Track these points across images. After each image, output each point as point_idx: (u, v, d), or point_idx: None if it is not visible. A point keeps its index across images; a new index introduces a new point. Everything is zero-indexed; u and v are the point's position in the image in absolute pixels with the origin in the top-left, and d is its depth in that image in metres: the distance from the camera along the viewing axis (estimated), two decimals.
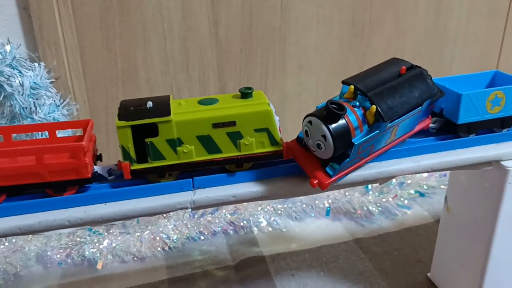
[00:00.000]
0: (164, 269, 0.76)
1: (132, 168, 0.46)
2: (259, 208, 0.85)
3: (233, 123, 0.47)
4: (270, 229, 0.83)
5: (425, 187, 0.89)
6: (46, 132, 0.50)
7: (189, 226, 0.81)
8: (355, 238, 0.81)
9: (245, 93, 0.49)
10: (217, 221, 0.83)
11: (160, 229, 0.80)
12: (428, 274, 0.72)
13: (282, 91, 0.97)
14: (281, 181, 0.50)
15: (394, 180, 0.87)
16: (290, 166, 0.51)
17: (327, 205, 0.86)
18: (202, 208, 0.50)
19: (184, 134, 0.47)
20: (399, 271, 0.73)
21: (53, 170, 0.44)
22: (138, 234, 0.79)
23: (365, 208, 0.85)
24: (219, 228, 0.82)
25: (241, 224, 0.83)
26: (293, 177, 0.51)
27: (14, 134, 0.49)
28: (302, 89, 0.98)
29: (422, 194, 0.88)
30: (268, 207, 0.85)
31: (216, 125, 0.47)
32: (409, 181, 0.88)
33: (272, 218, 0.85)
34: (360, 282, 0.71)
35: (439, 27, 1.01)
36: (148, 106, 0.47)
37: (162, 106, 0.47)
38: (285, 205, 0.86)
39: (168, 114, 0.46)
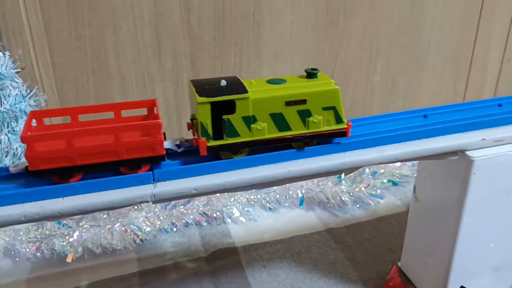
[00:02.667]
0: (135, 261, 0.75)
1: (208, 144, 0.48)
2: (232, 199, 0.84)
3: (304, 101, 0.49)
4: (243, 220, 0.83)
5: (398, 176, 0.89)
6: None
7: (161, 217, 0.80)
8: (328, 228, 0.81)
9: (311, 73, 0.51)
10: (189, 212, 0.82)
11: (132, 221, 0.79)
12: (399, 263, 0.72)
13: None
14: (244, 173, 0.50)
15: (367, 169, 0.87)
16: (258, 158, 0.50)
17: (300, 195, 0.86)
18: (163, 202, 0.49)
19: (259, 112, 0.48)
20: (370, 261, 0.73)
21: (130, 147, 0.45)
22: (109, 226, 0.78)
23: (338, 197, 0.84)
24: (192, 220, 0.81)
25: (214, 215, 0.82)
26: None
27: (81, 115, 0.49)
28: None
29: (395, 183, 0.88)
30: (241, 198, 0.85)
31: (288, 103, 0.48)
32: (382, 171, 0.88)
33: (246, 209, 0.84)
34: (331, 273, 0.71)
35: (415, 14, 1.01)
36: (222, 84, 0.48)
37: (236, 85, 0.48)
38: (259, 196, 0.85)
39: (246, 91, 0.47)
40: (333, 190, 0.85)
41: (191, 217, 0.81)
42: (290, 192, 0.86)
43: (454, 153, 0.55)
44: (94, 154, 0.45)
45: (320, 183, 0.86)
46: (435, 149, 0.54)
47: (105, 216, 0.78)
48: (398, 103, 1.09)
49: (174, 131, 0.95)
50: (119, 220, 0.78)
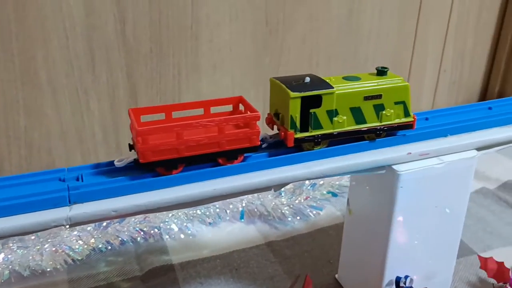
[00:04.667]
0: (66, 283, 0.72)
1: (295, 136, 0.51)
2: (171, 214, 0.82)
3: (379, 96, 0.54)
4: (181, 236, 0.81)
5: (338, 187, 0.89)
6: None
7: (95, 236, 0.78)
8: (267, 241, 0.80)
9: (382, 71, 0.56)
10: (125, 229, 0.79)
11: (63, 240, 0.75)
12: (336, 276, 0.72)
13: (197, 92, 0.95)
14: (161, 193, 0.48)
15: (306, 181, 0.87)
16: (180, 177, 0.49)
17: (241, 208, 0.85)
18: (81, 225, 0.47)
19: (341, 105, 0.52)
20: (308, 274, 0.73)
21: (231, 139, 0.49)
22: (38, 247, 0.74)
23: (278, 210, 0.84)
24: (128, 237, 0.79)
25: (152, 231, 0.80)
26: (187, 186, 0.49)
27: (174, 112, 0.53)
28: (218, 89, 0.96)
29: (334, 194, 0.89)
30: (179, 213, 0.83)
31: (366, 98, 0.53)
32: (321, 182, 0.88)
33: (184, 224, 0.82)
34: (269, 287, 0.70)
35: (352, 26, 1.02)
36: (306, 81, 0.52)
37: (320, 81, 0.53)
38: (198, 211, 0.84)
39: (332, 87, 0.51)
40: (273, 203, 0.84)
41: (127, 234, 0.79)
42: (231, 206, 0.85)
43: (381, 167, 0.56)
44: (199, 146, 0.48)
45: (260, 196, 0.85)
46: (362, 164, 0.54)
47: (33, 237, 0.74)
48: None
49: (111, 145, 0.92)
50: (49, 240, 0.75)
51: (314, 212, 0.85)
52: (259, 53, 0.96)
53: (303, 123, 0.51)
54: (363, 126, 0.54)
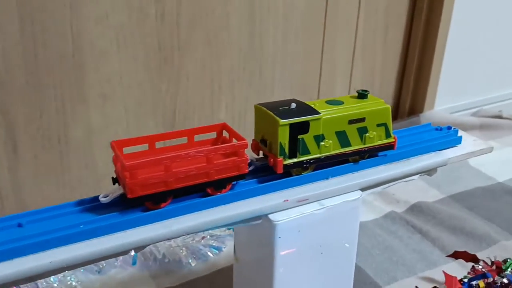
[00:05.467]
0: None
1: (284, 163, 0.52)
2: None
3: (363, 119, 0.55)
4: None
5: None
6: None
7: None
8: None
9: (363, 95, 0.57)
10: None
11: None
12: None
13: (86, 124, 0.87)
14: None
15: None
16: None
17: (133, 252, 0.77)
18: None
19: (327, 130, 0.53)
20: None
21: (219, 168, 0.49)
22: None
23: (174, 252, 0.77)
24: None
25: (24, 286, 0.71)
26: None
27: (157, 142, 0.52)
28: (110, 121, 0.89)
29: None
30: None
31: (351, 121, 0.54)
32: None
33: (68, 275, 0.74)
34: None
35: (255, 48, 0.98)
36: (292, 107, 0.52)
37: (305, 107, 0.53)
38: None
39: (318, 113, 0.52)
40: (167, 245, 0.78)
41: None
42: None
43: (257, 217, 0.51)
44: (187, 177, 0.48)
45: None
46: (232, 216, 0.49)
47: None
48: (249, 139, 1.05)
49: None
50: None
51: (213, 251, 0.79)
52: (154, 81, 0.90)
53: (291, 149, 0.52)
54: (348, 149, 0.56)
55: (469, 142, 0.64)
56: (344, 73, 1.12)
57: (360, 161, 0.57)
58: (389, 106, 0.57)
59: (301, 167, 0.53)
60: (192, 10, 0.89)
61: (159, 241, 0.47)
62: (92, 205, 0.49)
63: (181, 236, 0.48)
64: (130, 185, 0.45)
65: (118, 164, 0.48)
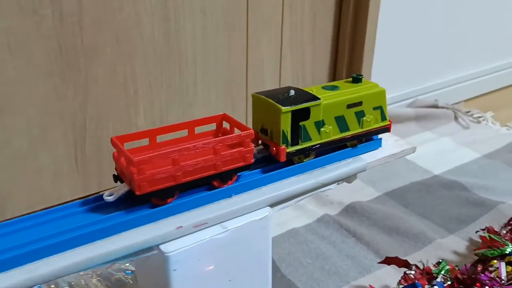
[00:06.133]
0: None
1: (287, 150, 0.51)
2: None
3: (360, 103, 0.55)
4: None
5: None
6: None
7: None
8: None
9: (358, 79, 0.57)
10: None
11: None
12: None
13: None
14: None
15: None
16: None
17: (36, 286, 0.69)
18: None
19: (327, 116, 0.53)
20: None
21: (226, 160, 0.47)
22: None
23: (83, 282, 0.70)
24: None
25: None
26: None
27: (158, 136, 0.51)
28: (11, 134, 0.79)
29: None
30: None
31: (349, 106, 0.54)
32: None
33: None
34: None
35: (172, 48, 0.90)
36: (291, 94, 0.52)
37: (303, 93, 0.53)
38: None
39: (318, 98, 0.52)
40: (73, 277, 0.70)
41: None
42: None
43: (149, 248, 0.44)
44: (195, 170, 0.46)
45: None
46: (126, 248, 0.42)
47: None
48: None
49: None
50: None
51: (128, 276, 0.72)
52: (58, 88, 0.81)
53: (293, 136, 0.51)
54: (347, 134, 0.56)
55: (390, 143, 0.59)
56: (272, 67, 1.06)
57: (269, 173, 0.52)
58: (384, 89, 0.57)
59: (303, 154, 0.53)
60: (96, 9, 0.80)
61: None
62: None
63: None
64: (138, 181, 0.43)
65: (121, 160, 0.46)
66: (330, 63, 1.17)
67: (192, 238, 0.45)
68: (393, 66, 1.24)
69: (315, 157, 0.55)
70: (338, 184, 0.55)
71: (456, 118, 1.29)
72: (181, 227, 0.45)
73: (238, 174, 0.50)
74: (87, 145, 0.87)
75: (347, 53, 1.14)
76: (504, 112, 1.39)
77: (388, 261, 0.70)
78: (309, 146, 0.53)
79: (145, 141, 0.51)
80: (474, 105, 1.42)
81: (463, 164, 1.09)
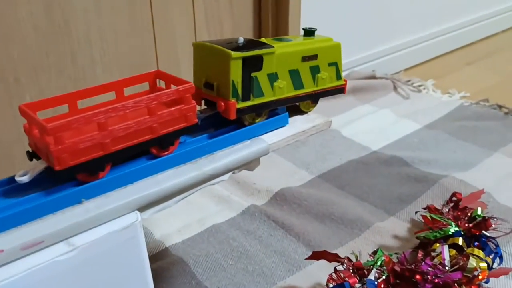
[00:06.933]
0: None
1: (238, 106, 0.45)
2: None
3: (315, 57, 0.51)
4: None
5: None
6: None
7: None
8: None
9: (310, 31, 0.53)
10: None
11: None
12: None
13: None
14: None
15: None
16: None
17: None
18: None
19: (280, 68, 0.48)
20: None
21: (164, 121, 0.40)
22: None
23: None
24: None
25: None
26: None
27: (79, 101, 0.42)
28: None
29: None
30: None
31: (304, 59, 0.50)
32: None
33: None
34: None
35: (58, 24, 0.77)
36: (239, 41, 0.46)
37: (255, 41, 0.47)
38: None
39: (272, 46, 0.47)
40: None
41: None
42: None
43: None
44: (127, 136, 0.39)
45: None
46: None
47: None
48: None
49: None
50: None
51: None
52: None
53: (245, 90, 0.45)
54: (301, 92, 0.51)
55: (299, 118, 0.49)
56: (187, 44, 0.94)
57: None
58: (339, 43, 0.53)
59: (255, 112, 0.47)
60: None
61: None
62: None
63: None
64: (56, 153, 0.35)
65: (34, 130, 0.38)
66: (253, 36, 1.05)
67: (22, 265, 0.33)
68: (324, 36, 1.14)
69: (267, 118, 0.48)
70: (234, 173, 0.44)
71: (395, 88, 1.21)
72: (2, 251, 0.32)
73: (181, 139, 0.43)
74: None
75: (271, 24, 1.03)
76: (445, 79, 1.32)
77: (315, 256, 0.60)
78: (262, 103, 0.47)
79: (63, 109, 0.42)
80: (414, 74, 1.34)
81: (404, 137, 1.00)
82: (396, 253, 0.64)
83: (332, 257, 0.59)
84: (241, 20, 1.01)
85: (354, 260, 0.59)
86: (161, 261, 0.67)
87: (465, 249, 0.63)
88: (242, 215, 0.77)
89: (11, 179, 0.38)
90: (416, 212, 0.74)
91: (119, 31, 0.84)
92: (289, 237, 0.72)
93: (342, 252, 0.66)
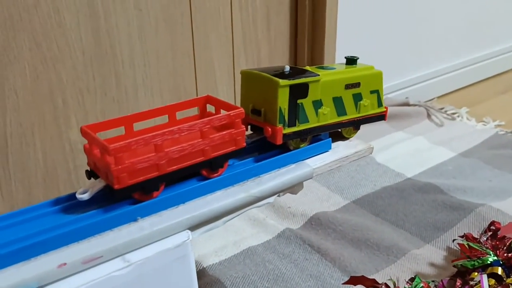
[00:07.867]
0: None
1: (284, 132, 0.46)
2: None
3: (358, 85, 0.52)
4: None
5: None
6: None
7: None
8: None
9: (353, 60, 0.54)
10: None
11: None
12: None
13: None
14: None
15: None
16: None
17: None
18: None
19: (325, 95, 0.49)
20: None
21: (215, 144, 0.42)
22: None
23: None
24: None
25: None
26: None
27: (135, 123, 0.45)
28: None
29: None
30: None
31: (347, 86, 0.51)
32: None
33: None
34: None
35: (104, 48, 0.80)
36: (286, 70, 0.47)
37: (299, 70, 0.49)
38: None
39: (317, 74, 0.48)
40: None
41: None
42: None
43: None
44: (181, 157, 0.40)
45: None
46: None
47: None
48: None
49: None
50: None
51: None
52: None
53: (291, 116, 0.47)
54: (344, 118, 0.52)
55: (341, 144, 0.50)
56: (225, 68, 0.97)
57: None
58: (381, 71, 0.54)
59: (300, 137, 0.49)
60: (5, 7, 0.70)
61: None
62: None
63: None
64: (117, 172, 0.37)
65: (95, 151, 0.40)
66: (289, 62, 1.07)
67: (81, 278, 0.35)
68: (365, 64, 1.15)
69: (310, 143, 0.49)
70: (279, 195, 0.45)
71: (429, 115, 1.21)
72: (64, 264, 0.34)
73: (229, 162, 0.45)
74: (10, 164, 0.76)
75: (307, 50, 1.05)
76: (479, 107, 1.31)
77: (353, 281, 0.60)
78: (306, 129, 0.48)
79: (120, 131, 0.44)
80: (447, 102, 1.34)
81: (438, 164, 1.00)
82: (433, 281, 0.64)
83: (370, 283, 0.59)
84: (277, 44, 1.04)
85: (391, 286, 0.59)
86: (199, 281, 0.68)
87: (504, 279, 0.62)
88: (277, 238, 0.77)
89: (70, 196, 0.40)
90: (453, 240, 0.73)
91: (161, 55, 0.87)
92: (324, 261, 0.72)
93: (378, 279, 0.66)
